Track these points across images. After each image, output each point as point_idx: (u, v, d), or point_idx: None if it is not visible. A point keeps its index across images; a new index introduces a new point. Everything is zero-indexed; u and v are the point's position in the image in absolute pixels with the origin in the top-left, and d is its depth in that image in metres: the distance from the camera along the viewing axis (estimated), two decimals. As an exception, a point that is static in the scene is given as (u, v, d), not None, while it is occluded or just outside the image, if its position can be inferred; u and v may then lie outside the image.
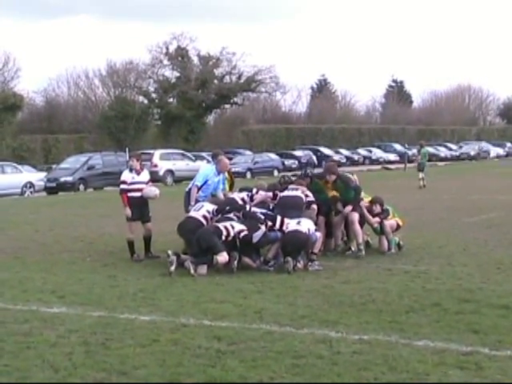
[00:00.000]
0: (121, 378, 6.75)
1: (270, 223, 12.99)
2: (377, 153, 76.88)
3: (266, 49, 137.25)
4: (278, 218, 13.02)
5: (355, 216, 13.97)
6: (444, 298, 9.91)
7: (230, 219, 13.07)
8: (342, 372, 6.83)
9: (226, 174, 14.97)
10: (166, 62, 70.94)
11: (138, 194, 14.21)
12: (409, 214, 20.79)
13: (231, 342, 7.97)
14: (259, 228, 12.86)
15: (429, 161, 70.47)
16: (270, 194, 13.89)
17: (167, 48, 70.49)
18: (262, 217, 13.15)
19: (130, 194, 14.19)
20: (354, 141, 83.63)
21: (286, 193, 13.80)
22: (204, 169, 15.06)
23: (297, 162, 63.06)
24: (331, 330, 8.37)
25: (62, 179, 40.63)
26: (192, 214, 13.47)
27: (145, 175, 14.54)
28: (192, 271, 12.07)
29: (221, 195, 14.43)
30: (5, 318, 9.30)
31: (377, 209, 14.41)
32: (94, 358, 7.47)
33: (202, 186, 14.42)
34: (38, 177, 41.99)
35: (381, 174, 51.03)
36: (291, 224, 12.87)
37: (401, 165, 62.87)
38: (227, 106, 75.83)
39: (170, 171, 45.59)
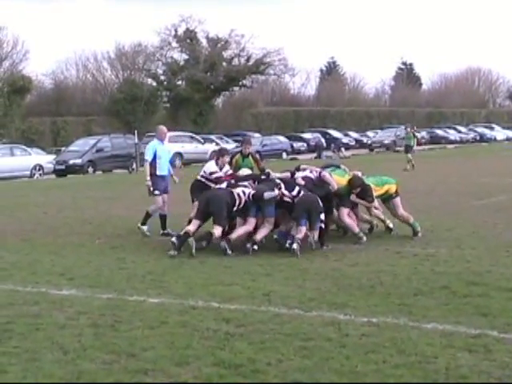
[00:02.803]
0: (129, 360, 6.76)
1: (286, 192, 13.03)
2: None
3: (275, 31, 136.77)
4: (297, 188, 13.07)
5: (341, 212, 13.76)
6: (453, 281, 9.88)
7: (244, 186, 13.26)
8: (350, 354, 6.82)
9: (251, 158, 15.14)
10: (174, 44, 70.86)
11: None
12: (417, 197, 20.83)
13: (239, 324, 7.98)
14: (273, 190, 12.99)
15: (437, 143, 71.02)
16: (288, 173, 13.90)
17: (176, 30, 70.38)
18: (279, 181, 13.31)
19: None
20: (363, 123, 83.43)
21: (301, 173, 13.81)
22: (149, 144, 15.72)
23: (305, 144, 63.07)
24: (340, 312, 8.36)
25: (71, 162, 40.73)
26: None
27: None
28: (193, 250, 12.15)
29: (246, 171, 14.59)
30: (14, 300, 9.33)
31: (357, 191, 13.84)
32: (102, 339, 7.49)
33: (155, 161, 15.05)
34: (47, 159, 42.11)
35: (388, 157, 50.91)
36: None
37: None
38: (236, 88, 75.65)
39: (179, 153, 45.58)
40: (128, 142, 42.89)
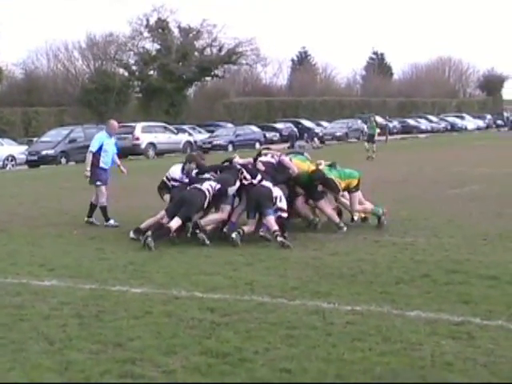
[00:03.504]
0: (116, 350, 6.78)
1: (248, 176, 13.06)
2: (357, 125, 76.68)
3: (247, 21, 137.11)
4: (259, 175, 13.10)
5: (320, 204, 13.84)
6: (433, 269, 9.97)
7: (208, 179, 13.23)
8: (336, 342, 6.88)
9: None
10: (146, 34, 70.63)
11: None
12: (392, 187, 21.00)
13: (224, 313, 8.01)
14: (234, 184, 13.02)
15: (408, 133, 71.42)
16: (251, 159, 13.92)
17: (147, 20, 70.14)
18: (240, 167, 13.34)
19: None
20: (335, 113, 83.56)
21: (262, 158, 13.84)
22: (96, 135, 15.97)
23: (278, 134, 63.13)
24: (323, 301, 8.41)
25: (44, 152, 40.48)
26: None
27: None
28: (151, 244, 12.08)
29: None
30: (-4, 291, 9.30)
31: (317, 184, 13.69)
32: (88, 329, 7.49)
33: (99, 153, 15.28)
34: (19, 150, 41.85)
35: (362, 147, 51.02)
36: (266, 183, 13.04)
37: (381, 137, 62.89)
38: (208, 78, 75.64)
39: (152, 144, 45.50)
40: (101, 132, 42.65)
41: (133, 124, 47.28)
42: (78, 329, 7.53)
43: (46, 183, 26.58)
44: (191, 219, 12.81)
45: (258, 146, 54.14)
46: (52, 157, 40.21)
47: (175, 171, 13.99)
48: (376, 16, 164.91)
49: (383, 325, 7.41)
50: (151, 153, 45.18)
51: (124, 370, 6.22)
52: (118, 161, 15.88)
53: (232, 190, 13.04)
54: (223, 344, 6.91)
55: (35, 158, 40.31)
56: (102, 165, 15.30)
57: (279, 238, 12.11)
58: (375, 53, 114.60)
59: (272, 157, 13.79)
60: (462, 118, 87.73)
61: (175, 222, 12.48)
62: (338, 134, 64.69)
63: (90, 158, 15.37)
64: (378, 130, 39.63)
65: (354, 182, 13.96)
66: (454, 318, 7.59)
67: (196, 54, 71.27)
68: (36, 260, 11.45)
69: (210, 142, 51.92)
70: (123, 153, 43.28)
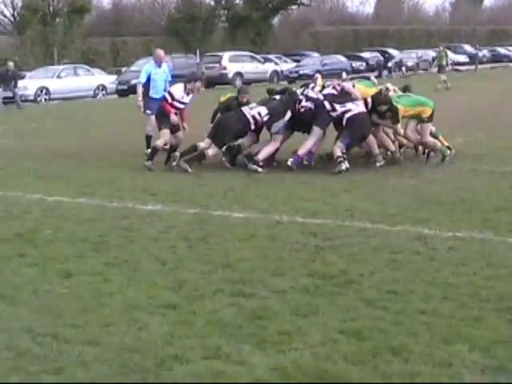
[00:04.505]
0: (226, 271, 7.01)
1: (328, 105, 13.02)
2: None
3: None
4: (326, 103, 13.03)
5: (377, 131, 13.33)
6: (533, 198, 9.94)
7: (260, 105, 13.40)
8: (440, 267, 6.98)
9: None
10: (232, -38, 69.93)
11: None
12: (486, 116, 20.69)
13: (327, 237, 8.17)
14: (283, 116, 13.08)
15: (499, 61, 69.61)
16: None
17: None
18: (300, 97, 13.36)
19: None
20: (423, 42, 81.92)
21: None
22: (144, 66, 16.13)
23: (365, 63, 62.31)
24: (424, 227, 8.50)
25: (133, 81, 40.81)
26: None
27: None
28: (185, 166, 12.82)
29: None
30: (104, 215, 9.65)
31: (381, 109, 13.04)
32: (196, 251, 7.76)
33: (148, 83, 15.40)
34: (109, 79, 42.39)
35: (452, 76, 50.08)
36: (348, 105, 12.88)
37: (471, 66, 61.56)
38: (294, 6, 74.70)
39: (239, 73, 45.51)
40: (189, 61, 42.96)
41: (220, 53, 47.40)
42: (187, 251, 7.80)
43: (137, 112, 26.94)
44: (225, 145, 13.12)
45: (344, 75, 53.54)
46: (141, 86, 40.59)
47: (177, 90, 13.84)
48: None
49: (486, 251, 7.47)
50: (238, 82, 45.15)
51: (236, 290, 6.45)
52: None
53: (276, 126, 13.07)
54: (328, 267, 7.08)
55: (125, 87, 40.73)
56: (152, 94, 15.36)
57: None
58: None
59: (333, 88, 13.57)
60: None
61: (212, 150, 12.95)
62: (409, 63, 63.29)
63: (140, 89, 15.66)
64: (450, 60, 38.65)
65: (427, 112, 13.12)
66: (559, 246, 7.60)
67: (282, -19, 70.44)
68: (138, 185, 11.80)
69: (296, 72, 51.57)
70: (210, 82, 43.90)
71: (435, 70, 38.76)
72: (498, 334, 5.35)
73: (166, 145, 13.86)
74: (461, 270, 6.91)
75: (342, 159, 12.36)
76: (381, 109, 13.00)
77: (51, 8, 55.25)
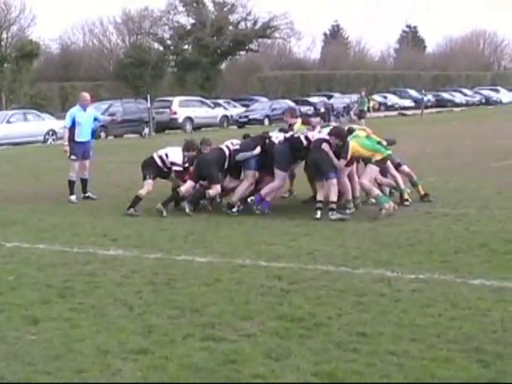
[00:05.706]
0: (194, 315, 7.02)
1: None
2: (392, 99, 76.36)
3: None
4: (302, 136, 13.20)
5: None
6: (489, 240, 10.11)
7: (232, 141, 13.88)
8: (406, 308, 7.08)
9: (299, 124, 14.41)
10: (180, 8, 70.92)
11: None
12: (436, 159, 21.06)
13: (291, 281, 8.24)
14: (252, 149, 13.25)
15: (443, 106, 70.93)
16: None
17: (182, -6, 70.10)
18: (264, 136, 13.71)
19: None
20: (369, 87, 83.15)
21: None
22: (69, 110, 16.10)
23: (312, 108, 62.99)
24: (386, 269, 8.62)
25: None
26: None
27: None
28: (188, 210, 12.94)
29: None
30: (66, 260, 9.59)
31: (334, 141, 12.64)
32: (162, 296, 7.75)
33: (74, 127, 15.39)
34: (59, 124, 42.03)
35: (399, 120, 50.99)
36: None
37: (417, 111, 62.62)
38: (242, 52, 75.60)
39: (190, 118, 45.70)
40: (139, 106, 42.94)
41: (170, 98, 47.59)
42: (153, 295, 7.80)
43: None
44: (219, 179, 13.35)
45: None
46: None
47: (176, 155, 13.55)
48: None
49: (449, 292, 7.59)
50: (188, 127, 45.39)
51: (206, 334, 6.46)
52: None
53: (242, 155, 13.23)
54: (296, 310, 7.13)
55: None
56: (77, 138, 15.40)
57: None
58: (408, 26, 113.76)
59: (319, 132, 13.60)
60: (497, 91, 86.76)
61: (212, 190, 13.20)
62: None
63: (66, 133, 15.61)
64: (373, 104, 38.60)
65: (378, 156, 12.85)
66: (519, 286, 7.75)
67: (230, 27, 71.36)
68: (97, 231, 11.75)
69: (246, 116, 52.00)
70: (160, 127, 43.97)
71: (354, 117, 38.47)
72: (469, 373, 5.45)
73: (148, 194, 13.56)
74: (426, 311, 7.02)
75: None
76: (332, 139, 12.68)
77: (-1, 53, 55.11)
